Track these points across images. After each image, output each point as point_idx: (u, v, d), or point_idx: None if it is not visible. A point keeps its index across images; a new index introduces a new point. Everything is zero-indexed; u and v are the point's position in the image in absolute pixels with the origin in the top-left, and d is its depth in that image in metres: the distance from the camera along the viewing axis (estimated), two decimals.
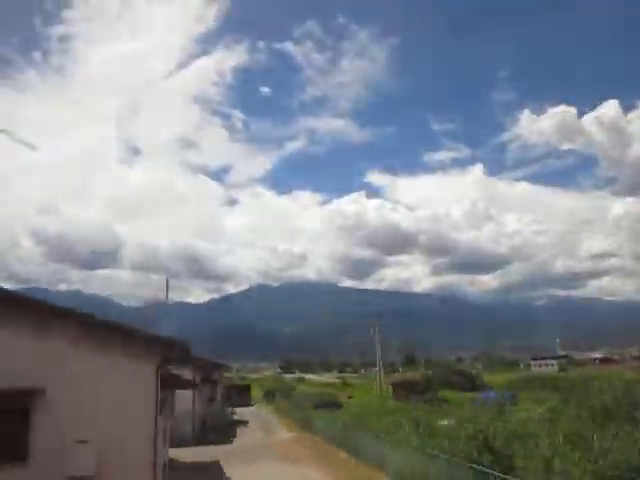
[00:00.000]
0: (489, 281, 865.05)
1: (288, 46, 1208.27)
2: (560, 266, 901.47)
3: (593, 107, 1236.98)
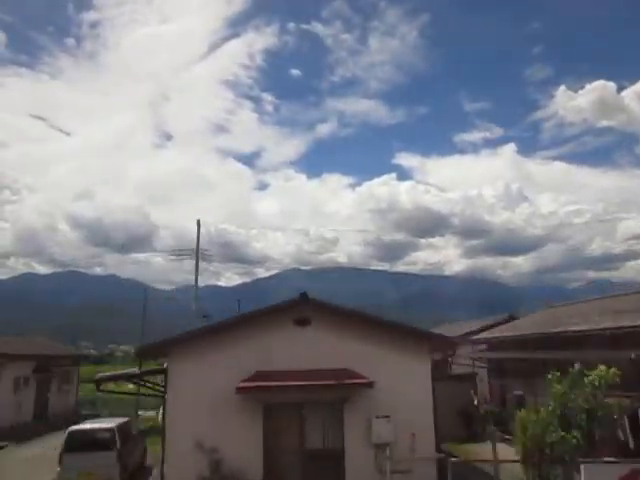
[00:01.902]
0: (522, 263, 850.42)
1: (317, 27, 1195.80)
2: (596, 247, 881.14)
3: (634, 81, 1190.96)
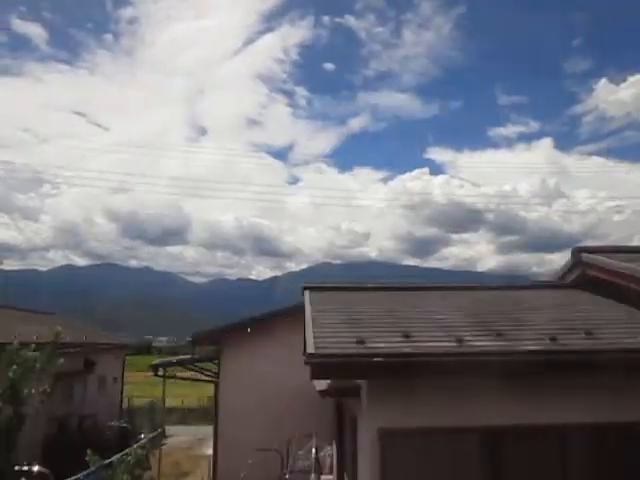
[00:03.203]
0: (559, 261, 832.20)
1: (350, 20, 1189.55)
2: (637, 244, 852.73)
3: None
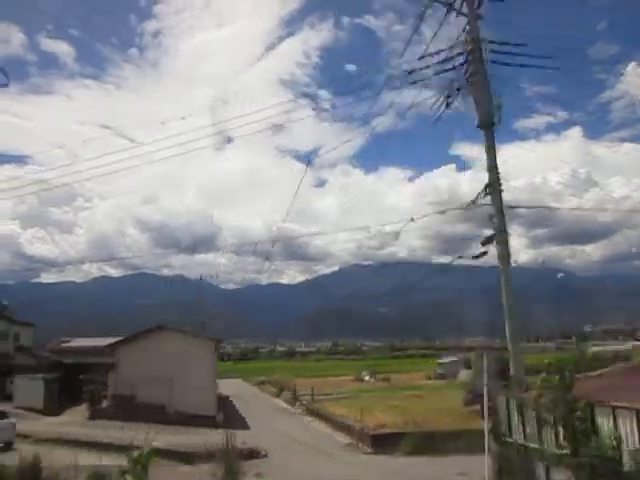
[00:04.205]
0: (592, 252, 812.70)
1: (370, 20, 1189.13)
2: None
3: None
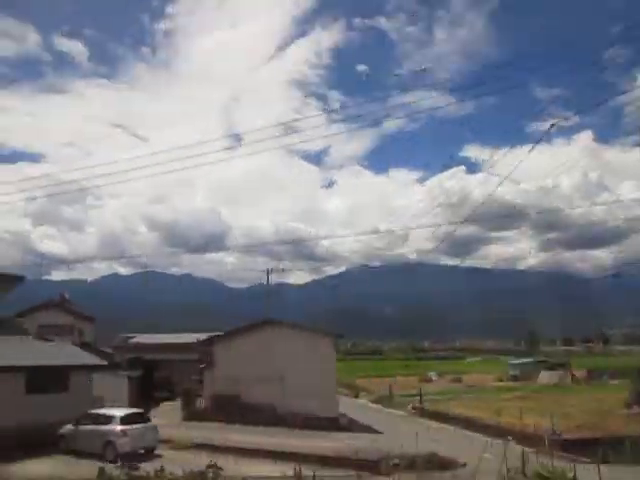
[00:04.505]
0: (603, 256, 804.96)
1: (381, 21, 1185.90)
2: None
3: None
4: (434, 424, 29.72)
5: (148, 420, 18.78)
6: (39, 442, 17.99)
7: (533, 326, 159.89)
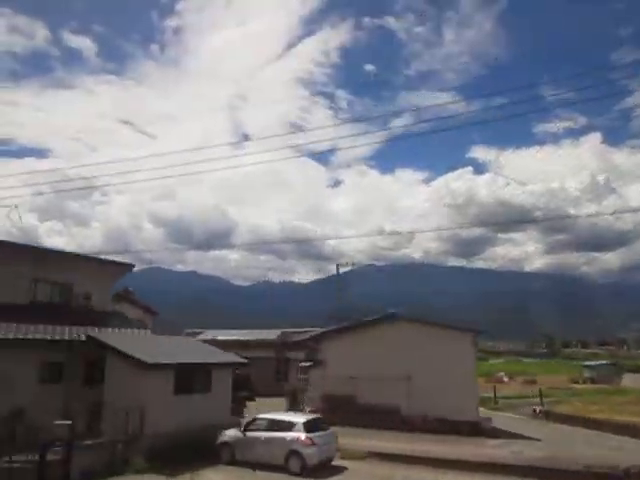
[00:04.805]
0: (610, 259, 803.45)
1: (390, 21, 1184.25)
2: None
3: None
4: (580, 430, 25.91)
5: (327, 427, 16.53)
6: (199, 449, 16.22)
7: (541, 329, 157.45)
